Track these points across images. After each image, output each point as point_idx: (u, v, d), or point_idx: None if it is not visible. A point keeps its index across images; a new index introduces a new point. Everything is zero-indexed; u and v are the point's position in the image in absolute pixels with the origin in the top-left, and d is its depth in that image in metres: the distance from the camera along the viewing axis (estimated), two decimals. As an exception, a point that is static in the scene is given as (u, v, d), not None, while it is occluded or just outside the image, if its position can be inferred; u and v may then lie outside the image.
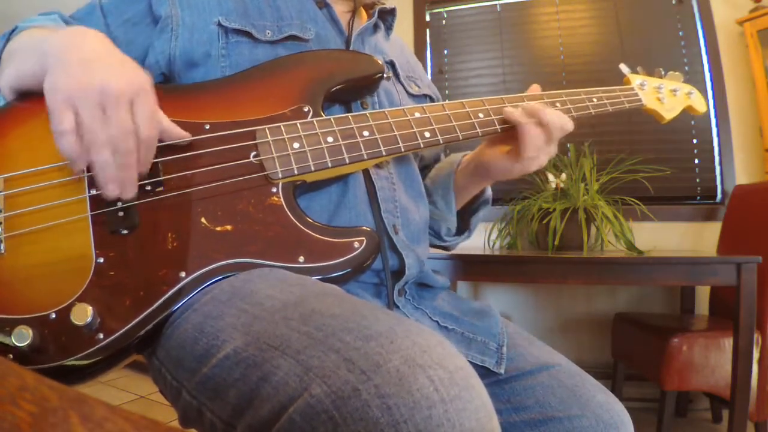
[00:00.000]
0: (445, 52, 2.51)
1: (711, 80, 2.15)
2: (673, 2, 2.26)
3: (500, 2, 2.46)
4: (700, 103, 0.93)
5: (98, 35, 0.55)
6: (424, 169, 0.90)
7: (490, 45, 2.45)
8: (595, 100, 0.79)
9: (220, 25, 0.65)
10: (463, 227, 0.86)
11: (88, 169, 0.53)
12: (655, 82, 0.90)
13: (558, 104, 0.74)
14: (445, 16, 2.52)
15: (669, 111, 0.89)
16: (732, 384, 1.39)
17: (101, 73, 0.50)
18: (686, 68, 2.22)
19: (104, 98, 0.49)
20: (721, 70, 2.15)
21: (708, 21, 2.17)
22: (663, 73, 0.92)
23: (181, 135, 0.56)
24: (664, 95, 0.89)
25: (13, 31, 0.61)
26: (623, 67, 0.90)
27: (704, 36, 2.19)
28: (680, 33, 2.23)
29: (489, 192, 0.85)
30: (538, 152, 0.69)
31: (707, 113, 2.16)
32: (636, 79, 0.89)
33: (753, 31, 2.02)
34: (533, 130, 0.68)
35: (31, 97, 0.55)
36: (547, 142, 0.70)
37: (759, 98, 2.03)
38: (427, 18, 2.53)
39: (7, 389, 0.19)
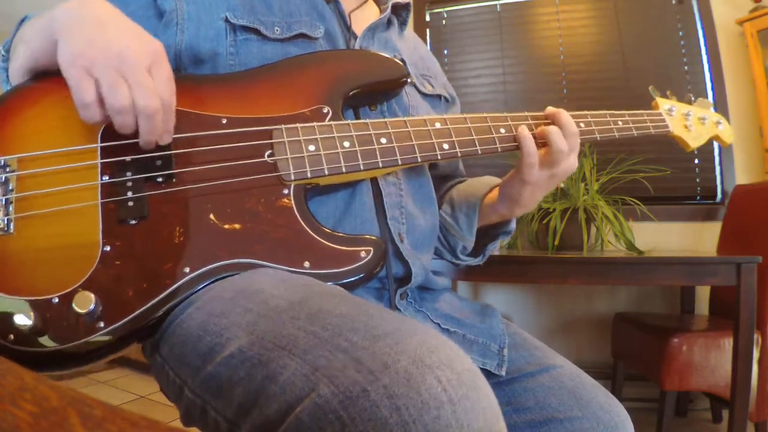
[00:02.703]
0: (445, 52, 2.51)
1: (711, 80, 2.15)
2: (673, 2, 2.26)
3: (500, 2, 2.46)
4: (728, 134, 0.91)
5: (103, 2, 0.54)
6: (443, 180, 0.88)
7: (490, 45, 2.45)
8: (620, 123, 0.77)
9: (227, 21, 0.63)
10: (478, 250, 0.84)
11: (102, 156, 0.53)
12: (683, 109, 0.87)
13: (582, 124, 0.73)
14: (445, 16, 2.52)
15: (695, 139, 0.86)
16: (732, 384, 1.38)
17: (116, 39, 0.49)
18: (686, 68, 2.22)
19: (123, 63, 0.49)
20: (721, 70, 2.15)
21: (708, 21, 2.18)
22: (693, 99, 0.90)
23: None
24: (692, 123, 0.86)
25: (23, 20, 0.61)
26: (652, 91, 0.88)
27: (704, 36, 2.19)
28: (680, 33, 2.23)
29: (513, 225, 0.82)
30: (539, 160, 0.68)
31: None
32: (664, 104, 0.86)
33: (753, 31, 2.02)
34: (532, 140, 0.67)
35: (47, 77, 0.55)
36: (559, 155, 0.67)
37: (759, 98, 2.03)
38: (427, 18, 2.53)
39: (7, 389, 0.19)
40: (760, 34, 2.00)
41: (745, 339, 1.36)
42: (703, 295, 2.03)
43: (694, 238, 2.14)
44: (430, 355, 0.37)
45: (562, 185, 1.90)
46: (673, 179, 2.12)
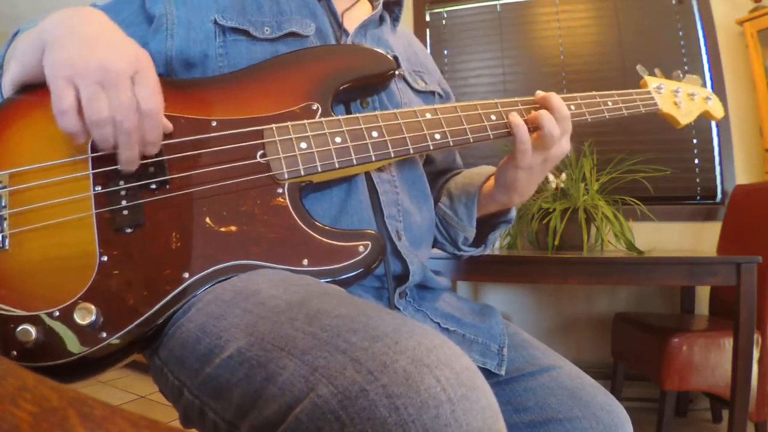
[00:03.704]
0: (445, 52, 2.51)
1: (711, 80, 2.15)
2: (673, 2, 2.26)
3: (500, 2, 2.46)
4: (718, 109, 0.90)
5: (93, 11, 0.54)
6: (441, 174, 0.88)
7: (490, 45, 2.45)
8: (610, 103, 0.77)
9: (216, 23, 0.64)
10: (479, 240, 0.83)
11: (94, 167, 0.53)
12: (672, 86, 0.87)
13: (572, 107, 0.73)
14: (445, 16, 2.52)
15: (685, 116, 0.86)
16: (732, 384, 1.38)
17: (100, 50, 0.50)
18: (686, 68, 2.21)
19: (104, 75, 0.49)
20: (721, 70, 2.15)
21: (708, 21, 2.17)
22: (681, 76, 0.90)
23: (167, 125, 0.55)
24: (681, 99, 0.86)
25: (15, 34, 0.61)
26: (640, 69, 0.88)
27: (704, 36, 2.19)
28: (680, 33, 2.23)
29: (513, 213, 0.82)
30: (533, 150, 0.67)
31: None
32: (653, 82, 0.86)
33: (753, 31, 2.01)
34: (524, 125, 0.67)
35: (34, 90, 0.55)
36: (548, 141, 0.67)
37: (759, 98, 2.03)
38: (427, 18, 2.53)
39: (7, 389, 0.19)
40: (760, 34, 2.00)
41: (745, 339, 1.36)
42: (703, 295, 2.03)
43: (694, 238, 2.14)
44: (429, 354, 0.37)
45: (562, 185, 1.90)
46: (673, 179, 2.12)
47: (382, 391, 0.34)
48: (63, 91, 0.48)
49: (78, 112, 0.49)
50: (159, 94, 0.53)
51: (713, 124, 2.16)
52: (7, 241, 0.49)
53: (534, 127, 0.68)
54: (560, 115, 0.67)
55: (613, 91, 0.79)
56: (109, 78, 0.49)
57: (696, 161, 2.19)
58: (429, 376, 0.35)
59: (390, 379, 0.35)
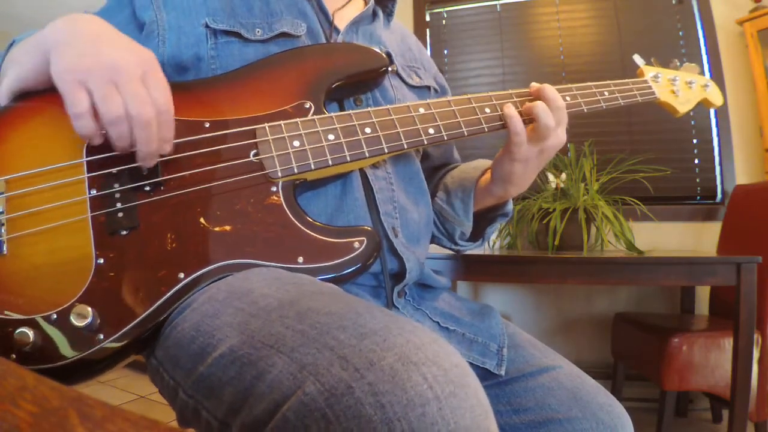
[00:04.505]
0: (445, 52, 2.51)
1: (711, 80, 2.15)
2: (673, 2, 2.26)
3: (500, 2, 2.46)
4: (717, 96, 0.90)
5: (93, 17, 0.55)
6: (438, 169, 0.88)
7: (490, 45, 2.45)
8: (606, 93, 0.76)
9: (207, 26, 0.64)
10: (477, 234, 0.83)
11: (88, 171, 0.53)
12: (669, 74, 0.87)
13: (568, 98, 0.72)
14: (445, 16, 2.52)
15: (683, 104, 0.85)
16: (732, 384, 1.38)
17: (108, 50, 0.50)
18: (686, 68, 2.22)
19: (115, 74, 0.49)
20: (721, 70, 2.15)
21: (708, 21, 2.17)
22: (678, 64, 0.89)
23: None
24: (679, 88, 0.86)
25: (11, 45, 0.61)
26: (637, 59, 0.87)
27: (704, 36, 2.19)
28: (680, 33, 2.23)
29: (510, 206, 0.82)
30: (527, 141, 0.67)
31: (708, 112, 2.16)
32: (650, 71, 0.85)
33: (753, 31, 2.02)
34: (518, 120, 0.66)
35: (29, 97, 0.55)
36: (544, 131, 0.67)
37: (759, 98, 2.03)
38: (427, 18, 2.53)
39: (7, 389, 0.19)
40: (760, 34, 2.00)
41: (745, 339, 1.36)
42: (703, 295, 2.03)
43: (694, 238, 2.14)
44: (417, 352, 0.36)
45: (562, 185, 1.90)
46: (673, 179, 2.12)
47: (368, 388, 0.34)
48: (76, 94, 0.49)
49: (93, 115, 0.50)
50: (169, 92, 0.53)
51: (713, 124, 2.16)
52: (4, 246, 0.50)
53: (529, 118, 0.68)
54: (555, 105, 0.67)
55: (609, 81, 0.78)
56: (120, 76, 0.49)
57: (696, 161, 2.19)
58: (416, 373, 0.35)
59: (376, 377, 0.35)
